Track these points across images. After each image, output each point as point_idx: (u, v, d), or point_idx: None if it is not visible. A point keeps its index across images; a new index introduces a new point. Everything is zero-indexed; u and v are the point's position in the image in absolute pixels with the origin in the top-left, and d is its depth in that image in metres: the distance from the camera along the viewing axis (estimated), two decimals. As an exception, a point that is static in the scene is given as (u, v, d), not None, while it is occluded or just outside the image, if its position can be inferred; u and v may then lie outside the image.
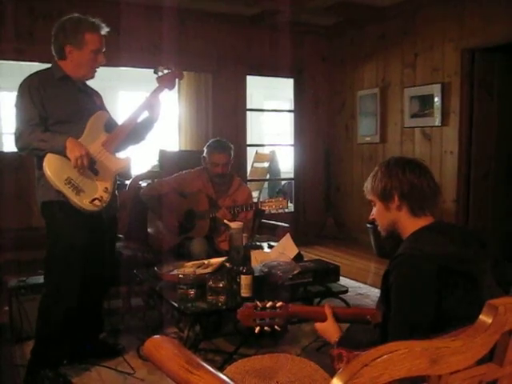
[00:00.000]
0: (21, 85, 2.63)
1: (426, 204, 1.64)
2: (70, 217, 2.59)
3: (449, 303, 1.43)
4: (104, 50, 2.73)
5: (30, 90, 2.59)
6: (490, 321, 0.90)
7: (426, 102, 5.35)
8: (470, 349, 0.88)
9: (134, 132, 2.84)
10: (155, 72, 2.89)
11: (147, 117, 2.88)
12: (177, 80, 2.94)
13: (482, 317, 0.91)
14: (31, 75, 2.67)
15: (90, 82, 2.85)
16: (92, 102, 2.81)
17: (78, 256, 2.60)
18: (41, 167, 2.58)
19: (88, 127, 2.66)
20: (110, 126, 2.80)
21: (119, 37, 5.12)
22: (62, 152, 2.51)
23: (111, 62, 5.17)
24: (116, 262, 3.15)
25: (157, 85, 2.87)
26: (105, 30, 2.71)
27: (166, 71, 2.88)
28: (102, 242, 2.81)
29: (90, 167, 2.59)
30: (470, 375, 0.91)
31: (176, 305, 2.64)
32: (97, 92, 2.91)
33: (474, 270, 1.48)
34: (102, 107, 2.87)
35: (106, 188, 2.66)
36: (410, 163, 1.67)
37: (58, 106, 2.63)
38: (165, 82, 2.87)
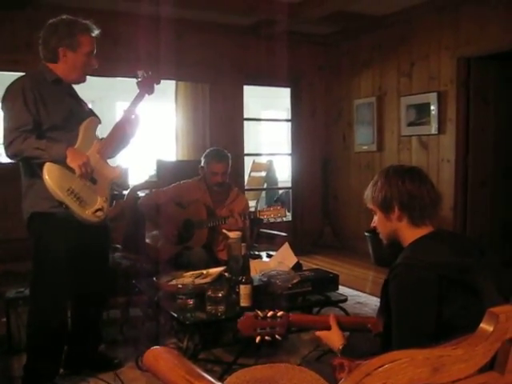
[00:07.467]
0: (11, 86, 2.50)
1: (426, 213, 1.62)
2: (60, 229, 2.50)
3: (450, 312, 1.43)
4: (95, 52, 2.65)
5: (23, 93, 2.43)
6: (491, 329, 0.89)
7: (422, 110, 5.37)
8: (471, 357, 0.88)
9: (123, 137, 2.75)
10: (135, 77, 2.81)
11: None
12: (155, 85, 2.82)
13: (482, 325, 0.91)
14: (22, 77, 2.54)
15: (87, 92, 2.78)
16: (80, 107, 2.73)
17: (66, 270, 2.53)
18: (32, 175, 2.48)
19: (81, 134, 2.56)
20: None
21: (116, 47, 5.14)
22: (61, 161, 2.40)
23: (108, 73, 5.26)
24: (111, 272, 3.07)
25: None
26: (96, 33, 2.64)
27: (145, 75, 2.79)
28: (94, 253, 2.73)
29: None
30: (471, 384, 0.91)
31: (175, 315, 2.62)
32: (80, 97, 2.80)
33: (474, 278, 1.48)
34: (91, 112, 2.78)
35: (106, 198, 2.62)
36: (409, 172, 1.66)
37: (53, 111, 2.51)
38: (144, 87, 2.78)
